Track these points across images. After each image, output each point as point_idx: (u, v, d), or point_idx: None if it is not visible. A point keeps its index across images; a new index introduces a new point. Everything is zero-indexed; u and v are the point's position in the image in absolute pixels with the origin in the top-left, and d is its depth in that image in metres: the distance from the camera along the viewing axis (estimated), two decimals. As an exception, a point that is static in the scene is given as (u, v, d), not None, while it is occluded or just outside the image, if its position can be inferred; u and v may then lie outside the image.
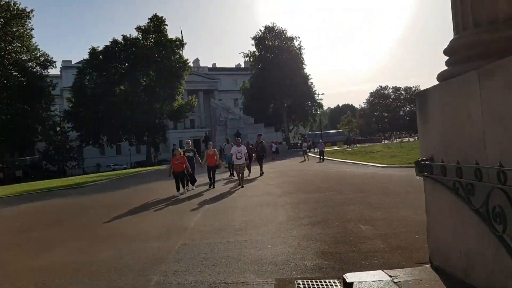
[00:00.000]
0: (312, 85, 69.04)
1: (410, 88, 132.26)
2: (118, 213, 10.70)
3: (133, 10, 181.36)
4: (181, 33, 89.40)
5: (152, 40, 58.66)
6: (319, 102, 71.58)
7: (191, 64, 65.98)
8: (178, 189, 14.02)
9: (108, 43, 57.48)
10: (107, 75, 56.29)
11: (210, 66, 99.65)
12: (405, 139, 66.66)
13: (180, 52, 60.95)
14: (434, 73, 4.25)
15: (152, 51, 57.03)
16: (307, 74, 67.84)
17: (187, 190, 14.56)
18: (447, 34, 4.05)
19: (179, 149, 15.97)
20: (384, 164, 20.66)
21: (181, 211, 10.54)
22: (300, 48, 66.02)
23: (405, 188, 10.90)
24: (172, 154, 17.45)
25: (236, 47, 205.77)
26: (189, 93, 79.69)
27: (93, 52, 56.76)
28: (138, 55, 55.79)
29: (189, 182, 14.91)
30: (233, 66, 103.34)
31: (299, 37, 66.31)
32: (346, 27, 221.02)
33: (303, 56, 66.42)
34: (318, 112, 76.31)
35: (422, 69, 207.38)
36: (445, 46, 4.21)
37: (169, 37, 59.69)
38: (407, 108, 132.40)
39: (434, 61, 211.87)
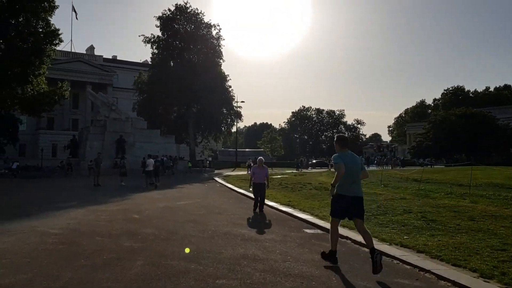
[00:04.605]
0: (230, 89, 54.17)
1: (333, 111, 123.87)
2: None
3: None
4: (73, 9, 69.77)
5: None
6: (237, 111, 56.01)
7: (62, 38, 44.77)
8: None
9: None
10: None
11: (110, 57, 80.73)
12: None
13: (49, 18, 42.49)
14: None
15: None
16: (225, 73, 52.86)
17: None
18: None
19: None
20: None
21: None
22: (218, 38, 50.99)
23: None
24: None
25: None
26: (73, 84, 60.70)
27: None
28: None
29: None
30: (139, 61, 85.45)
31: (218, 25, 51.15)
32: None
33: (221, 50, 51.50)
34: (236, 123, 60.27)
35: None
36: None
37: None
38: (329, 134, 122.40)
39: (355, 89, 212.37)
